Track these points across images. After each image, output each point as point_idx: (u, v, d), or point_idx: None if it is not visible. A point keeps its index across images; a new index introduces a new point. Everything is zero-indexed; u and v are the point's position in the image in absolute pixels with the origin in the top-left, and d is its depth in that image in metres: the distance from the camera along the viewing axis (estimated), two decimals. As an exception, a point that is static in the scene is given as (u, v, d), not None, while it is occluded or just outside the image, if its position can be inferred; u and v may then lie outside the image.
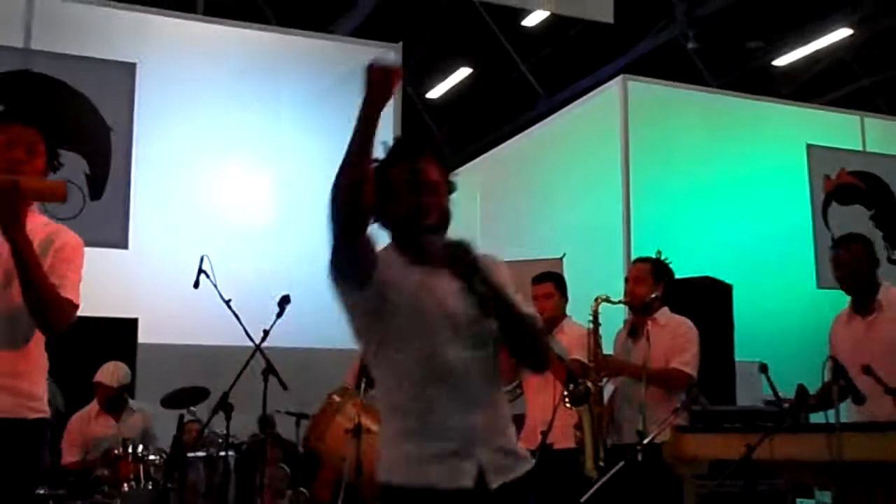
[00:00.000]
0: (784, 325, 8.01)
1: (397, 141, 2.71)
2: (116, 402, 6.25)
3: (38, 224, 3.01)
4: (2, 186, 2.79)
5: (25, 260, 2.82)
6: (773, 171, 8.97)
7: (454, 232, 4.01)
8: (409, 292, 2.57)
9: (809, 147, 9.13)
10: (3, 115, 3.13)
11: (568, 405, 4.64)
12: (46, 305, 2.88)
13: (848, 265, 4.45)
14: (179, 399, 6.09)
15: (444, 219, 2.67)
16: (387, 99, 2.40)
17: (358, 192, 2.41)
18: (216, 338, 6.51)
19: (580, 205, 8.40)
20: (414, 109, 14.57)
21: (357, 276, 2.54)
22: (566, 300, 5.42)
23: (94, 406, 6.25)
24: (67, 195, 2.99)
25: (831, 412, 3.81)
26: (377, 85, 2.38)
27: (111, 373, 6.23)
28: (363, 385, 5.06)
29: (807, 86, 13.25)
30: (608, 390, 4.99)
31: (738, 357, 6.99)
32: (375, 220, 2.61)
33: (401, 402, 2.59)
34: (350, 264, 2.53)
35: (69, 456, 6.06)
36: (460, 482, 2.50)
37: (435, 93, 15.18)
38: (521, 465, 2.63)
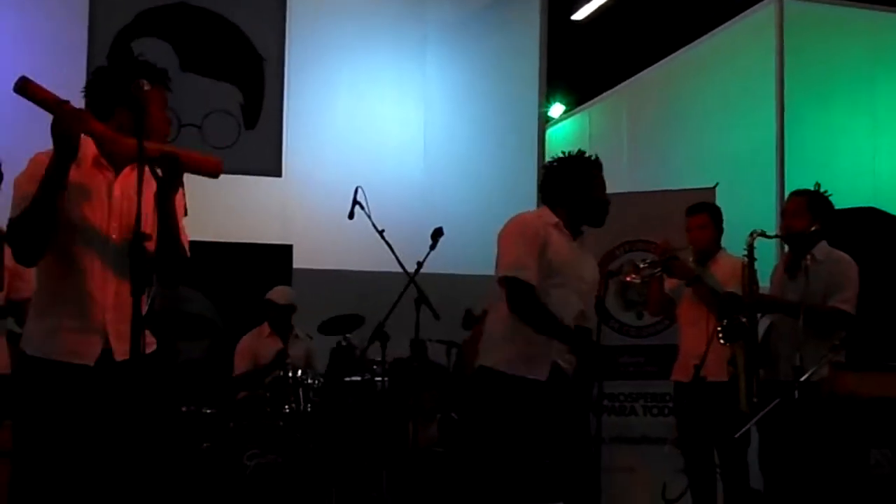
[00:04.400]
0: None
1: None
2: (284, 321, 6.55)
3: (147, 177, 3.11)
4: (170, 157, 2.93)
5: (172, 223, 3.02)
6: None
7: (602, 156, 4.11)
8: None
9: (982, 67, 8.58)
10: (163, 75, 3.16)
11: (722, 341, 4.60)
12: (179, 262, 3.08)
13: None
14: (336, 325, 6.36)
15: None
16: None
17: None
18: (368, 264, 6.67)
19: (731, 132, 8.13)
20: (559, 31, 14.33)
21: None
22: (721, 232, 5.32)
23: (264, 327, 6.59)
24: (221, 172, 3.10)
25: None
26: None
27: (280, 292, 6.59)
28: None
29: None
30: (763, 324, 4.91)
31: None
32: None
33: None
34: None
35: (239, 368, 6.47)
36: None
37: (580, 14, 14.86)
38: None
